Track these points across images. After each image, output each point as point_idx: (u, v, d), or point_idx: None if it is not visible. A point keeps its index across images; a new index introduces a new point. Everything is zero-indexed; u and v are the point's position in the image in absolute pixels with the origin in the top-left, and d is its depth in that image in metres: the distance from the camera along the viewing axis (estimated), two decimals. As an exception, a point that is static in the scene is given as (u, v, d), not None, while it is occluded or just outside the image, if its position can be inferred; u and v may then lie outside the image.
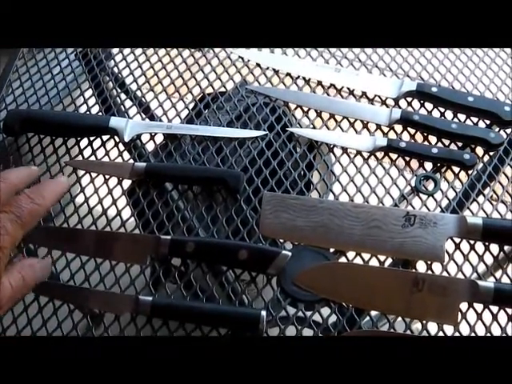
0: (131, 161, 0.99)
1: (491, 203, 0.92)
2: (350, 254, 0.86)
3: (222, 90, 1.08)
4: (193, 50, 1.15)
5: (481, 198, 0.92)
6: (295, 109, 1.04)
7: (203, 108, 1.06)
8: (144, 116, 1.06)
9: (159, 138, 1.01)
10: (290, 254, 0.83)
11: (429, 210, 0.90)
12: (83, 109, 1.08)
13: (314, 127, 1.00)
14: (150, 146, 1.01)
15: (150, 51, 1.15)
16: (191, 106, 1.08)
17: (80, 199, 0.96)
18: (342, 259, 0.86)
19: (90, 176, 0.97)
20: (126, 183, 0.96)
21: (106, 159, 0.99)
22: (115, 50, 1.16)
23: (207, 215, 0.91)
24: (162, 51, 1.15)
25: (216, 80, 1.09)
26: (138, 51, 1.15)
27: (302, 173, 0.95)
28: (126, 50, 1.15)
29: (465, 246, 0.86)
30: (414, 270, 0.85)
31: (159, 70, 1.11)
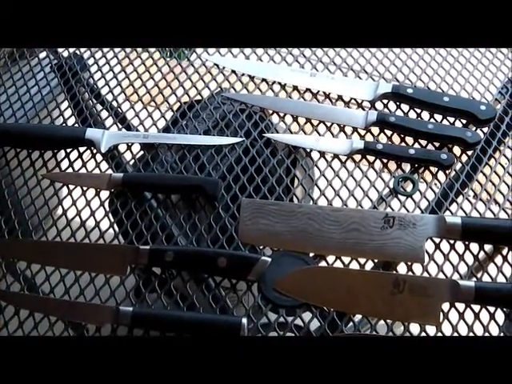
0: (109, 171, 0.98)
1: (470, 202, 0.92)
2: (330, 258, 0.86)
3: (198, 98, 1.08)
4: (168, 58, 1.14)
5: (460, 198, 0.92)
6: (272, 114, 1.04)
7: (180, 117, 1.06)
8: (120, 126, 1.06)
9: (137, 148, 1.01)
10: (269, 259, 0.82)
11: (408, 211, 0.90)
12: (59, 121, 1.07)
13: (291, 132, 1.00)
14: (128, 156, 1.01)
15: (125, 61, 1.14)
16: (168, 114, 1.07)
17: (59, 211, 0.95)
18: (322, 263, 0.86)
19: (68, 188, 0.96)
20: (105, 194, 0.95)
21: (83, 171, 0.99)
22: (91, 61, 1.16)
23: (186, 223, 0.91)
24: (137, 61, 1.14)
25: (192, 88, 1.09)
26: (113, 61, 1.14)
27: (280, 178, 0.95)
28: (102, 61, 1.15)
29: (445, 245, 0.86)
30: (394, 272, 0.85)
31: (134, 80, 1.11)
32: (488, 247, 0.87)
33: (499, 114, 1.03)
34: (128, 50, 1.17)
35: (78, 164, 1.00)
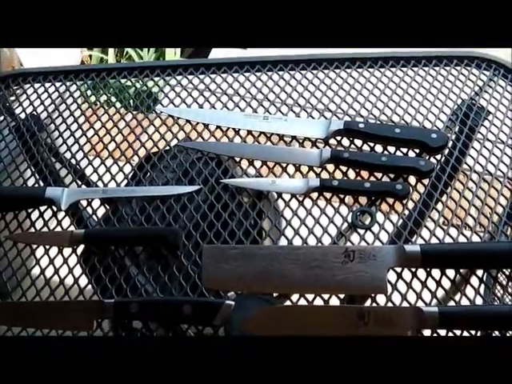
0: (72, 228, 0.99)
1: (429, 229, 0.93)
2: (295, 296, 0.87)
3: (156, 149, 1.10)
4: (114, 117, 1.16)
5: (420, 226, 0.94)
6: (228, 160, 1.05)
7: (138, 169, 1.07)
8: (80, 183, 1.07)
9: (97, 203, 1.02)
10: (233, 303, 0.83)
11: (368, 243, 0.91)
12: (20, 182, 1.08)
13: (248, 176, 1.01)
14: (90, 211, 1.01)
15: (82, 119, 1.16)
16: (126, 168, 1.08)
17: (23, 271, 0.95)
18: (287, 302, 0.87)
19: (31, 248, 0.96)
20: (69, 251, 0.95)
21: (46, 229, 0.99)
22: (47, 121, 1.17)
23: (150, 274, 0.91)
24: (93, 117, 1.16)
25: (148, 141, 1.10)
26: (70, 120, 1.16)
27: (240, 222, 0.96)
28: (58, 120, 1.17)
29: (407, 274, 0.87)
30: (357, 305, 0.85)
31: (92, 137, 1.13)
32: (450, 272, 0.88)
33: (452, 140, 1.05)
34: (89, 111, 1.20)
35: (40, 223, 1.00)
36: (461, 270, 0.88)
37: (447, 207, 0.96)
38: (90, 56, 2.84)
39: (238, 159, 1.04)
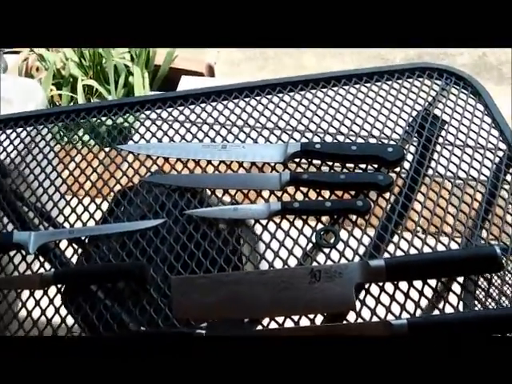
0: (42, 270, 1.00)
1: (392, 242, 0.95)
2: (266, 320, 0.87)
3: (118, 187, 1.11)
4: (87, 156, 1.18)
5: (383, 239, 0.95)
6: (189, 190, 1.06)
7: (106, 210, 1.08)
8: (47, 225, 1.07)
9: (65, 243, 1.03)
10: (203, 332, 0.83)
11: (334, 262, 0.92)
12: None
13: (210, 205, 1.03)
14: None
15: (44, 162, 1.17)
16: (91, 207, 1.09)
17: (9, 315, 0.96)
18: (258, 327, 0.88)
19: (2, 293, 0.97)
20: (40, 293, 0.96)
21: (16, 273, 1.00)
22: (11, 167, 1.18)
23: (122, 309, 0.92)
24: (66, 159, 1.18)
25: (110, 178, 1.12)
26: (33, 164, 1.17)
27: (206, 251, 0.97)
28: (33, 163, 1.18)
29: (375, 289, 0.89)
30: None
31: (55, 179, 1.14)
32: (417, 283, 0.89)
33: (409, 152, 1.07)
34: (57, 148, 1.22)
35: (10, 267, 1.01)
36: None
37: (409, 218, 0.97)
38: (60, 95, 2.85)
39: (199, 190, 1.06)
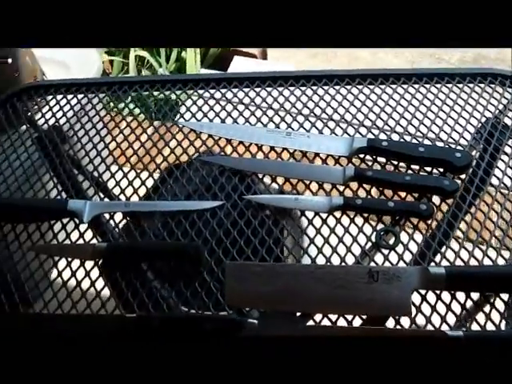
0: (94, 241, 0.99)
1: (453, 251, 0.92)
2: (318, 316, 0.86)
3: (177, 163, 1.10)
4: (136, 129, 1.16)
5: (444, 247, 0.93)
6: (250, 176, 1.04)
7: (160, 183, 1.07)
8: (102, 196, 1.06)
9: (120, 216, 1.01)
10: (256, 322, 0.82)
11: (392, 263, 0.90)
12: (42, 193, 1.08)
13: (270, 192, 1.01)
14: (113, 224, 1.01)
15: (104, 131, 1.16)
16: (149, 182, 1.08)
17: (45, 282, 0.95)
18: (310, 322, 0.86)
19: (53, 260, 0.96)
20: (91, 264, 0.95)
21: (68, 241, 0.99)
22: (69, 132, 1.17)
23: (172, 289, 0.91)
24: (115, 130, 1.16)
25: (170, 154, 1.10)
26: (92, 132, 1.16)
27: (263, 239, 0.95)
28: (81, 132, 1.17)
29: (431, 296, 0.86)
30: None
31: (114, 149, 1.13)
32: (475, 295, 0.87)
33: (476, 159, 1.04)
34: (111, 123, 1.20)
35: (62, 235, 1.00)
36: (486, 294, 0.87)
37: (472, 228, 0.95)
38: (111, 62, 2.85)
39: (260, 175, 1.04)
